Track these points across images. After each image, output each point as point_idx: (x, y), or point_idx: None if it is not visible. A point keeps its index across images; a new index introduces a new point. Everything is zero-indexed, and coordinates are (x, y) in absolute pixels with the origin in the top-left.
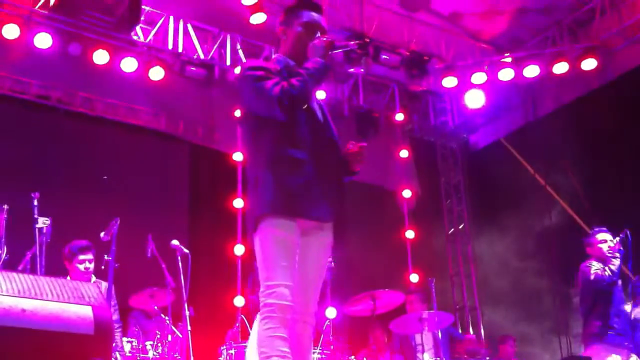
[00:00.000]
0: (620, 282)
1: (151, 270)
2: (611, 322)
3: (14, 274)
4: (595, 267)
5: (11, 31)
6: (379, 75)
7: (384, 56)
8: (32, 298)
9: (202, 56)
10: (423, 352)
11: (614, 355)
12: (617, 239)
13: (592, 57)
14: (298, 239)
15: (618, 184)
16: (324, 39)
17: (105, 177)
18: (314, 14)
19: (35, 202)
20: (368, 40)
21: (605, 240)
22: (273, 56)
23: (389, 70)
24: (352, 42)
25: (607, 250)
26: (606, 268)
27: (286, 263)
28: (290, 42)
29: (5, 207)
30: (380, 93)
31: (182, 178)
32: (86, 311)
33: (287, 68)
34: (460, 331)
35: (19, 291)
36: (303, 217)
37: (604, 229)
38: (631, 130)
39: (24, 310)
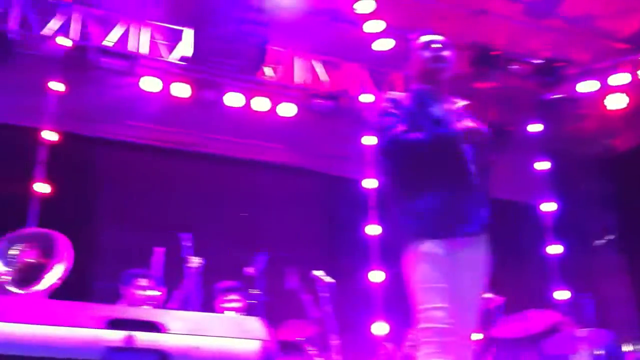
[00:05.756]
0: None
1: (293, 302)
2: None
3: (182, 312)
4: None
5: (150, 83)
6: (510, 87)
7: (514, 67)
8: (202, 335)
9: (328, 88)
10: None
11: None
12: None
13: None
14: (446, 258)
15: None
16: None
17: (245, 214)
18: None
19: (186, 243)
20: (497, 52)
21: None
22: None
23: (521, 80)
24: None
25: None
26: None
27: (437, 284)
28: None
29: (162, 249)
30: (512, 105)
31: (317, 209)
32: (253, 346)
33: None
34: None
35: (189, 329)
36: (447, 236)
37: None
38: None
39: (197, 348)
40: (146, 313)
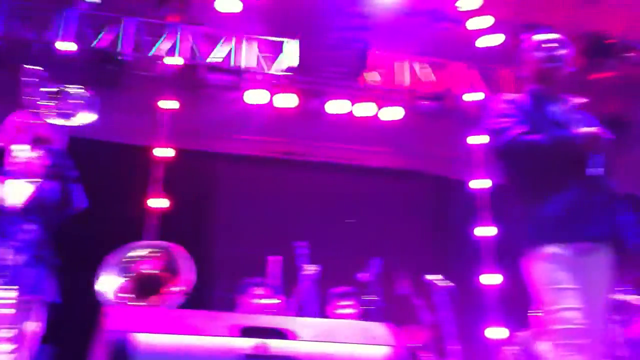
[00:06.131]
0: None
1: (406, 307)
2: None
3: (311, 319)
4: None
5: (258, 96)
6: (628, 75)
7: (632, 54)
8: (332, 342)
9: (432, 89)
10: None
11: None
12: None
13: None
14: (573, 260)
15: None
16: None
17: (352, 221)
18: None
19: (301, 251)
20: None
21: None
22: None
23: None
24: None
25: None
26: None
27: (568, 285)
28: None
29: (278, 258)
30: (631, 94)
31: (424, 211)
32: (383, 352)
33: None
34: None
35: (318, 336)
36: (572, 241)
37: None
38: None
39: (324, 355)
40: (277, 321)
